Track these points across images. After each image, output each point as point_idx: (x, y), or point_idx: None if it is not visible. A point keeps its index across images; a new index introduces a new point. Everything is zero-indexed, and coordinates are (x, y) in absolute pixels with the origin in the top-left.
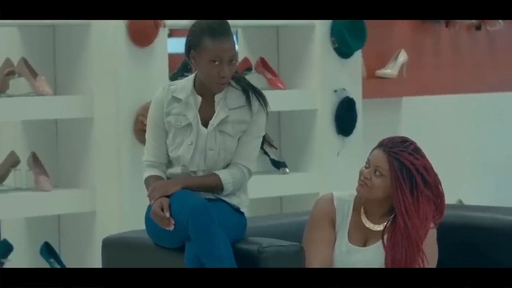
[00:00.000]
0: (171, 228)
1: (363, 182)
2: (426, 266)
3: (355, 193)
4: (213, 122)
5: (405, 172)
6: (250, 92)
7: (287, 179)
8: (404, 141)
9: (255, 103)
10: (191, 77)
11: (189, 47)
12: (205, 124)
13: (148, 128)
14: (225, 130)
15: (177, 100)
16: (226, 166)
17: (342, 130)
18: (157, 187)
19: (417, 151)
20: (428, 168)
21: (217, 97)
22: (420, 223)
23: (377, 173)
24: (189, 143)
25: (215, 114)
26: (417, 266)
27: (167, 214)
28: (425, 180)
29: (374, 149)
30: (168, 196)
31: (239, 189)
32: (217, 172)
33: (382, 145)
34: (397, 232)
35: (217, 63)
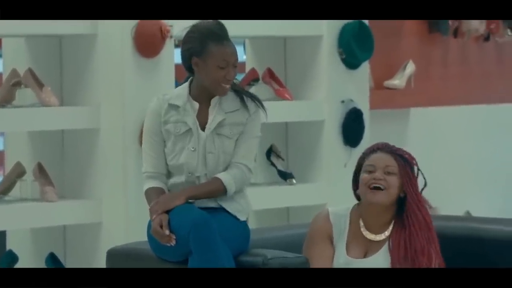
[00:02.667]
0: (173, 243)
1: (377, 185)
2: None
3: (351, 206)
4: (210, 126)
5: (409, 166)
6: (243, 94)
7: (294, 190)
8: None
9: (251, 104)
10: (185, 85)
11: (190, 54)
12: (204, 130)
13: (144, 139)
14: (223, 132)
15: (175, 107)
16: (226, 168)
17: (350, 141)
18: (160, 201)
19: None
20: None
21: (213, 102)
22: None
23: (388, 172)
24: (192, 149)
25: (212, 117)
26: (432, 252)
27: (167, 232)
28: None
29: (371, 154)
30: (167, 212)
31: (242, 190)
32: (218, 176)
33: (379, 148)
34: (414, 223)
35: (223, 67)
